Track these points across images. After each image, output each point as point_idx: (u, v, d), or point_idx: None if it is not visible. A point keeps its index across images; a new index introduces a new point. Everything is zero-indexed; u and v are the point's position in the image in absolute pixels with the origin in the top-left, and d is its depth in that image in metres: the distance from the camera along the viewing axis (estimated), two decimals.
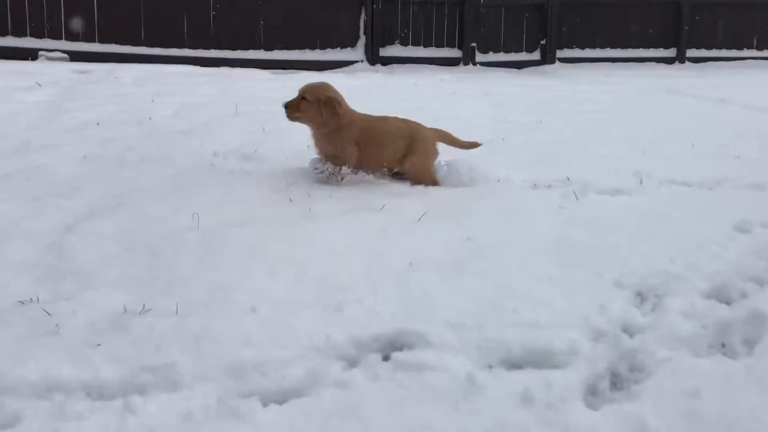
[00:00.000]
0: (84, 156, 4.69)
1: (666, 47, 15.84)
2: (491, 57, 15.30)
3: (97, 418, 2.00)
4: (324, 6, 14.05)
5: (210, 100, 6.93)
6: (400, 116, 4.42)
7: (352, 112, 4.16)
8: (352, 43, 14.64)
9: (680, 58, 15.61)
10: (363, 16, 14.46)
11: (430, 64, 14.51)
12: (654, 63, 15.74)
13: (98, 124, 5.62)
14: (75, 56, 10.96)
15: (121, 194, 3.90)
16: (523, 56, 15.47)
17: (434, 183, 4.20)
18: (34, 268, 2.95)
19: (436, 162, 4.32)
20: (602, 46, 15.65)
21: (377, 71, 13.51)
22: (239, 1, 13.06)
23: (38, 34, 11.39)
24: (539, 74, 14.03)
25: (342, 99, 4.11)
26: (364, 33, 14.60)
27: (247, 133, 5.43)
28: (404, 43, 15.02)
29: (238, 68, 12.09)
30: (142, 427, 1.99)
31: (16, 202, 3.72)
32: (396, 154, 4.15)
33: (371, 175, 4.25)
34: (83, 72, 8.35)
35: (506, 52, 15.43)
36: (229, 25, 13.04)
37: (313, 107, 3.96)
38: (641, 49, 15.68)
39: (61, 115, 6.00)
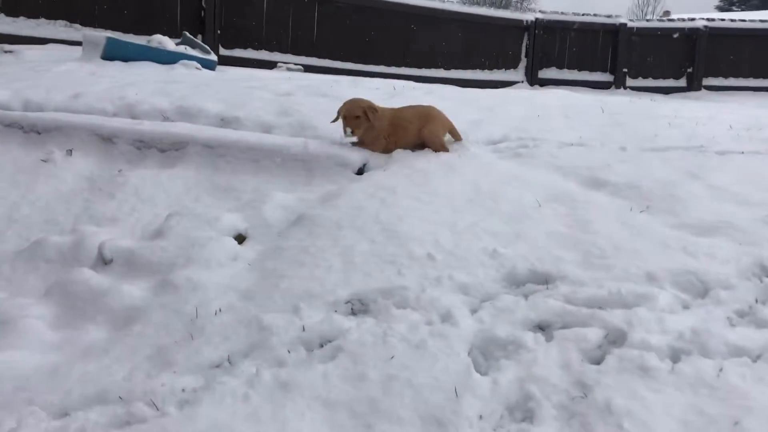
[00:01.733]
0: None
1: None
2: (640, 82, 16.75)
3: None
4: (492, 33, 15.92)
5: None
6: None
7: (383, 110, 5.25)
8: (514, 65, 16.44)
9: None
10: (525, 41, 16.25)
11: (584, 86, 16.01)
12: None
13: None
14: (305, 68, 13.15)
15: None
16: (670, 82, 16.82)
17: (444, 148, 5.26)
18: None
19: (445, 134, 5.43)
20: (745, 76, 16.80)
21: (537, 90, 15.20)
22: (427, 30, 15.16)
23: (273, 49, 13.72)
24: (686, 98, 15.25)
25: (374, 104, 5.20)
26: (525, 56, 16.37)
27: None
28: (560, 67, 16.68)
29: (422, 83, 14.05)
30: None
31: None
32: (416, 130, 5.24)
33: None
34: (335, 81, 10.25)
35: (654, 78, 16.81)
36: (419, 49, 15.14)
37: (363, 118, 5.08)
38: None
39: None
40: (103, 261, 3.89)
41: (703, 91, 16.86)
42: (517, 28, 16.37)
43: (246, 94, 6.90)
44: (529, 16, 16.68)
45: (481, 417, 2.43)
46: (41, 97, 6.76)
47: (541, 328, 2.94)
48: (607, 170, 4.60)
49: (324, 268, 3.49)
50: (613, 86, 16.65)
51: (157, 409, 2.58)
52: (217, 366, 2.85)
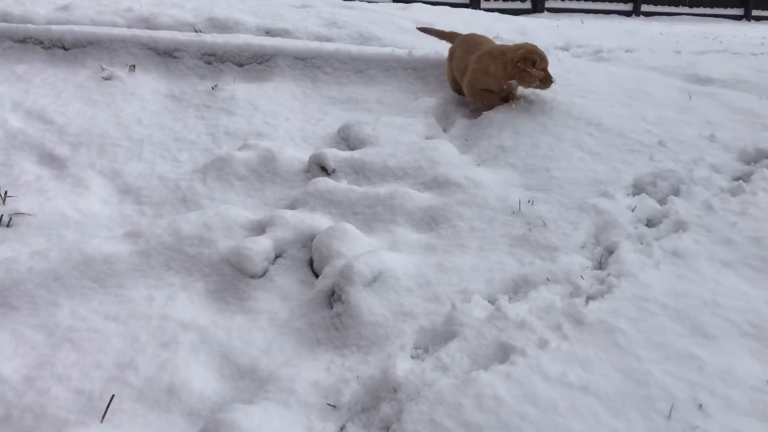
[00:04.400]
0: None
1: (625, 2, 19.08)
2: (492, 4, 17.82)
3: None
4: None
5: None
6: None
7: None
8: None
9: (636, 12, 18.89)
10: None
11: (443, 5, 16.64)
12: (616, 14, 18.88)
13: None
14: None
15: None
16: (518, 4, 18.09)
17: None
18: None
19: None
20: None
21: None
22: None
23: None
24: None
25: None
26: None
27: None
28: None
29: None
30: None
31: None
32: None
33: None
34: None
35: (504, 0, 17.98)
36: None
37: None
38: (606, 2, 18.82)
39: None
40: (324, 171, 3.69)
41: (546, 13, 18.36)
42: None
43: (264, 5, 6.47)
44: None
45: None
46: (19, 10, 5.82)
47: None
48: (697, 68, 5.18)
49: (577, 158, 3.67)
50: (470, 7, 17.47)
51: None
52: (582, 247, 2.99)
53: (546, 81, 4.23)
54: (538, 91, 4.41)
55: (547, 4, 18.81)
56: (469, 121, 4.36)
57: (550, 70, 4.24)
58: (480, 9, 17.16)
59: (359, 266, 2.66)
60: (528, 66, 4.15)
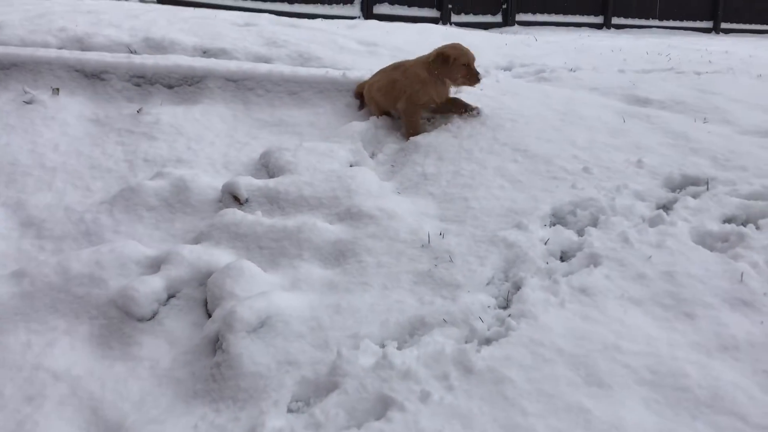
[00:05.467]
0: None
1: (596, 15, 19.16)
2: (463, 18, 17.79)
3: None
4: None
5: None
6: None
7: None
8: (350, 1, 16.56)
9: (607, 25, 18.97)
10: None
11: (413, 22, 16.65)
12: (587, 27, 18.95)
13: None
14: None
15: None
16: (489, 18, 18.09)
17: None
18: None
19: None
20: (550, 12, 18.64)
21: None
22: None
23: None
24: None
25: None
26: None
27: None
28: (391, 2, 17.11)
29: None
30: None
31: None
32: None
33: None
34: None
35: (475, 14, 17.97)
36: None
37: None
38: (577, 16, 18.88)
39: None
40: (237, 201, 3.55)
41: (517, 26, 18.36)
42: None
43: (205, 25, 6.33)
44: None
45: None
46: None
47: (732, 221, 3.34)
48: (637, 89, 5.10)
49: (497, 187, 3.55)
50: (441, 22, 17.44)
51: None
52: (488, 283, 2.87)
53: (471, 77, 4.26)
54: (470, 118, 4.32)
55: (518, 18, 18.88)
56: (398, 146, 4.24)
57: (487, 90, 4.15)
58: (450, 23, 17.17)
59: (242, 312, 2.51)
60: (441, 64, 4.19)
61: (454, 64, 4.22)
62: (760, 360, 2.39)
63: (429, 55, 4.36)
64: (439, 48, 4.32)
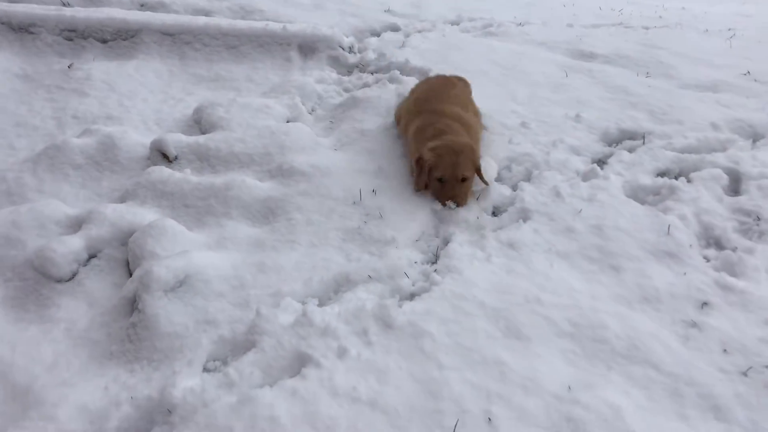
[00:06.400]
0: None
1: None
2: None
3: None
4: None
5: None
6: None
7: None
8: None
9: None
10: None
11: None
12: None
13: None
14: None
15: None
16: None
17: None
18: None
19: None
20: None
21: None
22: None
23: None
24: None
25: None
26: None
27: None
28: None
29: None
30: None
31: None
32: None
33: None
34: None
35: None
36: None
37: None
38: None
39: None
40: (166, 158, 3.44)
41: None
42: None
43: None
44: None
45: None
46: None
47: (665, 175, 3.34)
48: (582, 43, 5.06)
49: None
50: None
51: None
52: (417, 239, 2.83)
53: (440, 197, 3.00)
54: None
55: None
56: (337, 101, 4.15)
57: (431, 45, 4.03)
58: None
59: (159, 271, 2.44)
60: (420, 170, 3.05)
61: (432, 175, 3.01)
62: (679, 310, 2.41)
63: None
64: (427, 147, 3.07)
